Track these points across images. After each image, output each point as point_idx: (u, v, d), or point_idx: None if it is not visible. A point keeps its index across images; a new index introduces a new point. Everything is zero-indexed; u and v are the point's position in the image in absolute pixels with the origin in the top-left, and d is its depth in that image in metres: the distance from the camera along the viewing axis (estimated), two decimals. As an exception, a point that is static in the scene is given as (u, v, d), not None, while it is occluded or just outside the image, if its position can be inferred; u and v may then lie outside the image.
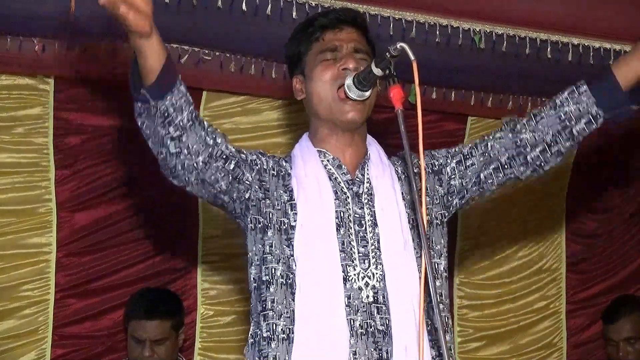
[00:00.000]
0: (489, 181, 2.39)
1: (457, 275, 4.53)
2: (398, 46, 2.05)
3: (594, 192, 4.79)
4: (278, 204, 2.25)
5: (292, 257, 2.20)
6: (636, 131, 4.70)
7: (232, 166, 2.24)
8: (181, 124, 2.10)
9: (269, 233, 2.24)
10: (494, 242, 4.63)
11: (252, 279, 2.27)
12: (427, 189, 2.34)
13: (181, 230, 4.10)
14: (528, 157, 2.35)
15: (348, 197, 2.28)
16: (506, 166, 2.37)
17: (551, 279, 4.70)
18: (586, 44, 3.75)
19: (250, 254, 2.29)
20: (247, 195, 2.26)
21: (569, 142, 2.34)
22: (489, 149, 2.38)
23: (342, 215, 2.25)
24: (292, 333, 2.15)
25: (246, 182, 2.26)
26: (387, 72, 2.10)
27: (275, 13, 3.36)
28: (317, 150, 2.34)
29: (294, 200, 2.25)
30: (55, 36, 3.50)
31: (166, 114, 2.09)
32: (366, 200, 2.28)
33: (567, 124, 2.32)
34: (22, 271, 3.86)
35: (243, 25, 3.42)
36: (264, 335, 2.18)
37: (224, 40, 3.66)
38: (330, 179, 2.29)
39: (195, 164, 2.16)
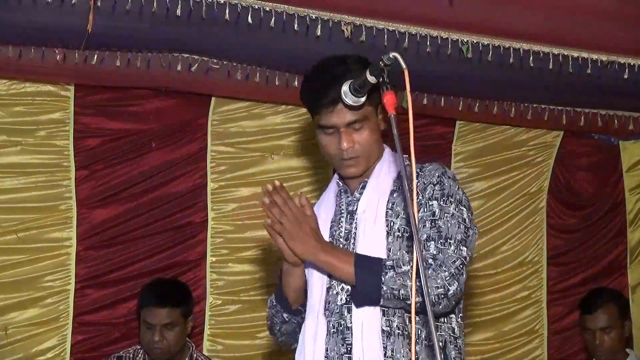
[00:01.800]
0: None
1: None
2: (391, 55, 2.05)
3: (572, 190, 4.79)
4: None
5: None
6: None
7: None
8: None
9: None
10: (479, 237, 4.62)
11: None
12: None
13: (191, 225, 4.10)
14: None
15: (342, 217, 2.35)
16: None
17: (533, 270, 4.70)
18: (565, 54, 3.75)
19: None
20: None
21: None
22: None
23: (334, 232, 2.33)
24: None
25: None
26: (381, 79, 2.11)
27: (278, 25, 3.36)
28: (337, 181, 2.43)
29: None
30: (75, 47, 3.50)
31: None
32: (351, 218, 2.34)
33: None
34: (45, 263, 3.86)
35: (249, 36, 3.42)
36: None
37: (231, 50, 3.66)
38: (336, 204, 2.38)
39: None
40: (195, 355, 3.69)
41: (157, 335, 3.54)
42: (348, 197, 2.37)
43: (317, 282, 2.30)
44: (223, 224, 4.12)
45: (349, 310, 2.24)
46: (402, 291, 2.16)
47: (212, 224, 4.12)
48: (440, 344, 2.25)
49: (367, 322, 2.22)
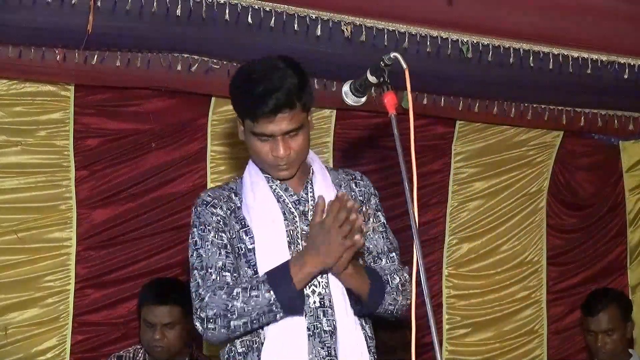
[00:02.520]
0: None
1: (445, 267, 4.53)
2: (391, 56, 2.06)
3: (572, 190, 4.79)
4: (233, 233, 2.29)
5: (255, 277, 2.24)
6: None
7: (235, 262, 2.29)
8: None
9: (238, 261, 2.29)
10: (480, 237, 4.63)
11: None
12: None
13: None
14: None
15: (295, 217, 2.31)
16: None
17: (533, 270, 4.70)
18: (565, 54, 3.76)
19: None
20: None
21: None
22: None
23: (291, 233, 2.29)
24: (261, 343, 2.23)
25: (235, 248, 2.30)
26: (382, 79, 2.11)
27: (278, 25, 3.36)
28: (265, 176, 2.36)
29: (246, 226, 2.29)
30: (75, 47, 3.50)
31: None
32: (311, 218, 2.28)
33: None
34: (45, 263, 3.86)
35: (248, 36, 3.42)
36: (239, 351, 2.27)
37: (231, 50, 3.66)
38: (278, 201, 2.32)
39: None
40: (196, 354, 3.68)
41: (157, 334, 3.54)
42: (292, 195, 2.34)
43: None
44: (223, 224, 4.11)
45: (325, 314, 2.24)
46: (391, 307, 2.29)
47: (212, 224, 4.11)
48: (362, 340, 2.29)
49: (349, 325, 2.24)
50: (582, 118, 4.45)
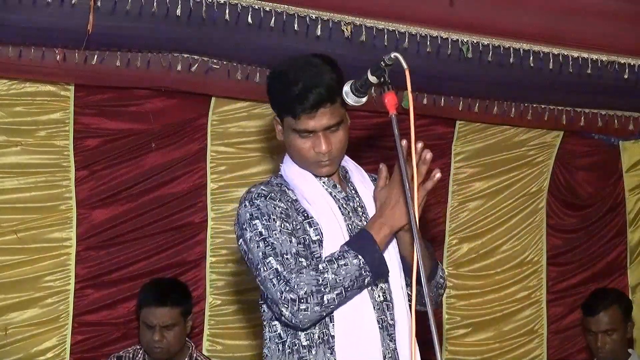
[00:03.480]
0: None
1: (446, 267, 4.54)
2: (392, 56, 2.06)
3: (572, 190, 4.80)
4: (297, 224, 2.25)
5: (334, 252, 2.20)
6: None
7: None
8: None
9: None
10: (480, 237, 4.64)
11: None
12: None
13: (191, 225, 4.10)
14: None
15: (350, 212, 2.32)
16: None
17: (533, 270, 4.70)
18: (565, 54, 3.76)
19: None
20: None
21: None
22: None
23: (350, 227, 2.29)
24: (332, 336, 2.19)
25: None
26: (382, 79, 2.11)
27: (278, 25, 3.36)
28: (313, 174, 2.34)
29: (310, 217, 2.27)
30: (75, 47, 3.51)
31: None
32: (361, 213, 2.33)
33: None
34: (45, 263, 3.86)
35: (248, 36, 3.42)
36: (304, 344, 2.21)
37: (231, 51, 3.67)
38: (331, 197, 2.32)
39: None
40: (195, 355, 3.69)
41: (156, 335, 3.54)
42: (340, 192, 2.35)
43: None
44: (223, 224, 4.12)
45: (388, 308, 2.25)
46: (436, 290, 2.37)
47: (212, 224, 4.12)
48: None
49: (407, 320, 2.25)
50: (582, 118, 4.46)
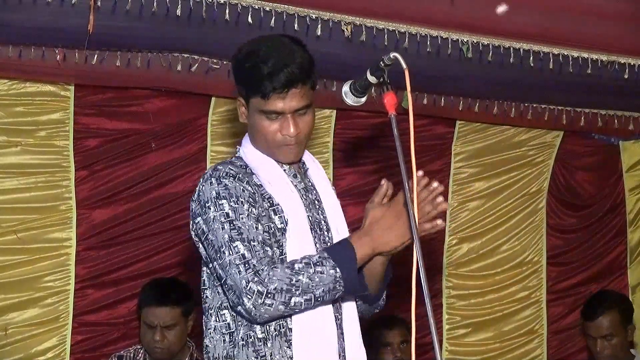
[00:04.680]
0: None
1: (445, 267, 4.53)
2: (391, 56, 2.06)
3: (572, 190, 4.79)
4: (263, 211, 2.16)
5: (281, 258, 2.14)
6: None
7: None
8: None
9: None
10: (480, 237, 4.63)
11: None
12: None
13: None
14: None
15: (309, 204, 2.25)
16: None
17: (532, 270, 4.70)
18: (565, 54, 3.76)
19: None
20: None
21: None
22: None
23: (310, 219, 2.22)
24: (289, 329, 2.12)
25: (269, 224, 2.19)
26: (382, 79, 2.11)
27: (278, 25, 3.36)
28: (273, 160, 2.25)
29: (275, 205, 2.18)
30: (75, 47, 3.50)
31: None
32: (318, 207, 2.27)
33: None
34: (45, 263, 3.86)
35: (249, 36, 3.40)
36: (259, 337, 2.12)
37: (231, 50, 3.63)
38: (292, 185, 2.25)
39: None
40: (195, 355, 3.69)
41: (157, 335, 3.54)
42: (300, 182, 2.26)
43: None
44: (223, 224, 4.11)
45: (339, 306, 2.22)
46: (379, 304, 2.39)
47: (212, 224, 4.11)
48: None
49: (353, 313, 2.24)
50: (582, 118, 4.46)
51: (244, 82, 2.22)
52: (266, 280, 1.99)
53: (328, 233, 2.25)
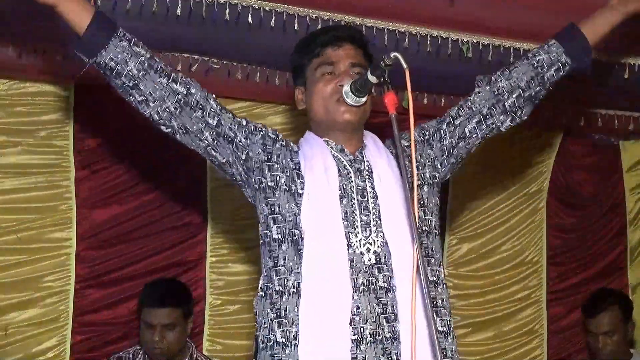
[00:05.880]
0: (474, 135, 2.47)
1: (445, 267, 4.54)
2: (392, 55, 2.06)
3: (572, 190, 4.80)
4: (287, 170, 2.28)
5: (299, 216, 2.21)
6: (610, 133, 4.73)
7: (214, 122, 2.31)
8: (131, 73, 2.19)
9: (277, 194, 2.26)
10: (480, 237, 4.64)
11: (262, 234, 2.29)
12: (417, 157, 2.39)
13: (191, 225, 4.10)
14: (506, 104, 2.46)
15: (351, 173, 2.29)
16: (487, 116, 2.47)
17: (532, 270, 4.70)
18: (565, 53, 3.75)
19: (259, 213, 2.31)
20: (243, 156, 2.31)
21: (539, 88, 2.46)
22: (472, 104, 2.46)
23: (345, 187, 2.26)
24: (301, 287, 2.16)
25: (240, 143, 2.31)
26: (382, 79, 2.11)
27: (278, 25, 3.36)
28: (323, 139, 2.36)
29: (300, 170, 2.27)
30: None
31: (110, 68, 2.19)
32: (367, 176, 2.30)
33: (539, 70, 2.44)
34: (45, 263, 3.86)
35: (249, 36, 3.42)
36: (276, 289, 2.20)
37: (231, 50, 3.66)
38: (334, 159, 2.31)
39: (167, 109, 2.26)
40: (195, 355, 3.69)
41: (157, 336, 3.55)
42: (348, 155, 2.33)
43: (331, 238, 2.20)
44: (223, 223, 4.12)
45: (380, 270, 2.19)
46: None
47: (212, 224, 4.12)
48: None
49: (407, 283, 2.15)
50: (582, 118, 4.46)
51: (300, 56, 2.41)
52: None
53: (375, 200, 2.26)
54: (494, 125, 2.49)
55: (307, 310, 2.15)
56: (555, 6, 3.57)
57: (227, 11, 3.30)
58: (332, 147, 2.33)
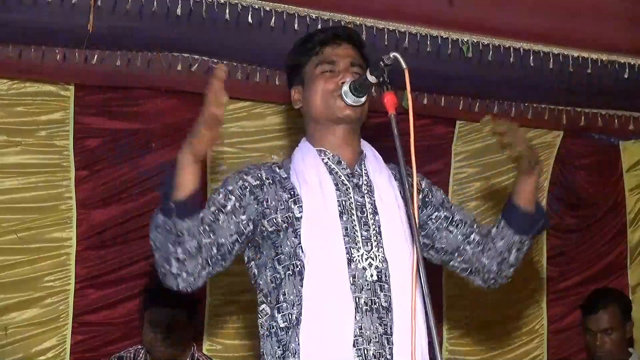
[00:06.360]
0: (452, 265, 2.54)
1: (446, 267, 4.53)
2: (391, 55, 2.06)
3: (572, 190, 4.79)
4: (281, 205, 2.20)
5: (299, 246, 2.15)
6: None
7: (231, 239, 2.20)
8: (189, 249, 2.09)
9: (281, 234, 2.19)
10: (480, 236, 4.63)
11: (268, 280, 2.22)
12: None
13: (191, 225, 4.10)
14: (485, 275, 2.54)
15: (349, 188, 2.25)
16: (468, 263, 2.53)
17: (533, 270, 4.70)
18: (565, 53, 3.76)
19: (266, 260, 2.25)
20: (252, 226, 2.21)
21: (511, 268, 2.47)
22: (464, 239, 2.45)
23: (344, 203, 2.21)
24: (301, 316, 2.11)
25: (249, 227, 2.20)
26: (381, 79, 2.10)
27: (278, 25, 3.37)
28: (317, 150, 2.30)
29: (296, 195, 2.21)
30: (75, 46, 3.51)
31: (180, 234, 2.08)
32: (366, 191, 2.26)
33: (503, 256, 2.43)
34: (45, 263, 3.86)
35: (249, 36, 3.42)
36: (281, 325, 2.15)
37: (231, 50, 3.67)
38: (330, 173, 2.26)
39: (195, 280, 2.16)
40: (196, 355, 3.69)
41: (160, 336, 3.55)
42: (345, 169, 2.28)
43: (332, 253, 2.15)
44: (223, 224, 4.11)
45: (382, 289, 2.15)
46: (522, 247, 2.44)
47: (212, 224, 4.11)
48: None
49: (405, 302, 2.12)
50: (582, 118, 4.45)
51: (296, 56, 2.39)
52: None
53: (374, 216, 2.23)
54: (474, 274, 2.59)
55: (308, 334, 2.09)
56: (555, 6, 3.58)
57: (227, 11, 3.30)
58: (328, 159, 2.28)
